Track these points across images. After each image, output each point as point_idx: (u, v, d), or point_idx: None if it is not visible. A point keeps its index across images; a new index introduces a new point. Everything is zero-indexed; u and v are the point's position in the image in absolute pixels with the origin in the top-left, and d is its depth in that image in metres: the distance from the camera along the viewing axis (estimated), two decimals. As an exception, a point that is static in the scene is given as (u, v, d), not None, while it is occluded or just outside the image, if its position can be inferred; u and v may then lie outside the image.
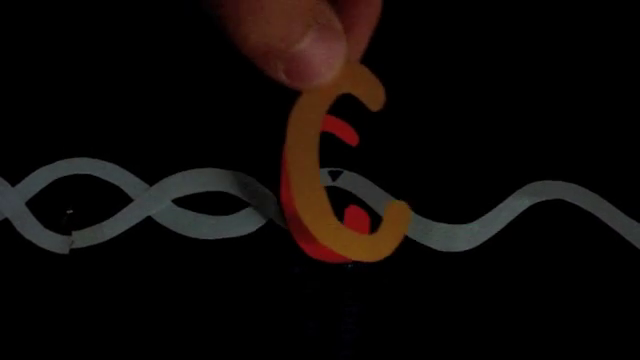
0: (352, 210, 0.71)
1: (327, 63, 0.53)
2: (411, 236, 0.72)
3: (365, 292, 0.70)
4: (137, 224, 0.73)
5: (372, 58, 0.66)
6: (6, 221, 0.72)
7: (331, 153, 0.74)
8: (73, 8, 0.79)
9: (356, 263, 0.70)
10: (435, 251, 0.72)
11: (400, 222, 0.64)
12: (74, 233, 0.72)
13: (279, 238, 0.72)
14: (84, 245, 0.71)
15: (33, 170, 0.73)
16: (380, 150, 0.75)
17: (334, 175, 0.74)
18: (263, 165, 0.74)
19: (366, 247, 0.63)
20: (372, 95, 0.60)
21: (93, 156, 0.74)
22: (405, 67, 0.78)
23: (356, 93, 0.59)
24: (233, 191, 0.74)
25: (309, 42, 0.50)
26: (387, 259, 0.67)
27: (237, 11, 0.49)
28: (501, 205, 0.74)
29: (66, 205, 0.73)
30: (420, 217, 0.73)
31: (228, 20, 0.50)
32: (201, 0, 0.51)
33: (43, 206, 0.73)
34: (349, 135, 0.74)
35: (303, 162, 0.62)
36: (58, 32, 0.78)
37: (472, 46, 0.80)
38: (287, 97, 0.72)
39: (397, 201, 0.65)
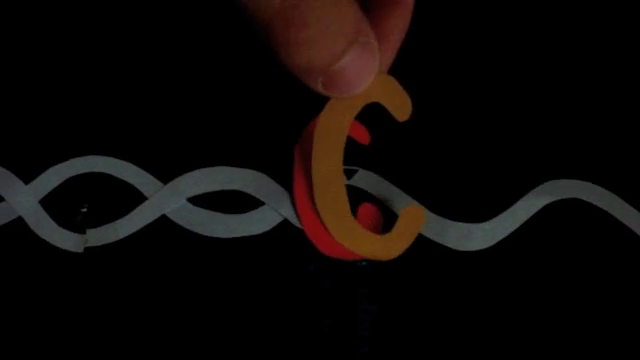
0: (365, 207, 0.72)
1: (362, 76, 0.56)
2: (427, 235, 0.72)
3: (379, 290, 0.70)
4: (152, 223, 0.72)
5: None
6: (20, 219, 0.72)
7: (346, 152, 0.74)
8: (87, 5, 0.79)
9: (369, 261, 0.70)
10: (451, 249, 0.72)
11: (413, 225, 0.68)
12: (88, 231, 0.71)
13: (294, 237, 0.72)
14: (98, 244, 0.71)
15: (46, 168, 0.73)
16: (396, 149, 0.75)
17: (349, 174, 0.73)
18: (278, 163, 0.74)
19: (377, 247, 0.67)
20: (399, 105, 0.65)
21: (107, 154, 0.74)
22: (421, 67, 0.77)
23: (384, 103, 0.64)
24: (248, 189, 0.73)
25: (349, 59, 0.53)
26: (402, 257, 0.68)
27: (285, 32, 0.51)
28: (517, 204, 0.74)
29: (80, 203, 0.73)
30: (436, 216, 0.73)
31: (275, 39, 0.52)
32: (246, 15, 0.52)
33: (57, 204, 0.73)
34: (361, 134, 0.73)
35: (328, 163, 0.65)
36: (71, 30, 0.78)
37: (487, 46, 0.80)
38: (302, 95, 0.72)
39: (415, 205, 0.67)
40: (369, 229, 0.69)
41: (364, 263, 0.71)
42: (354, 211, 0.70)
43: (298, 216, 0.71)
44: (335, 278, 0.70)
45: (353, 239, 0.68)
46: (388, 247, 0.68)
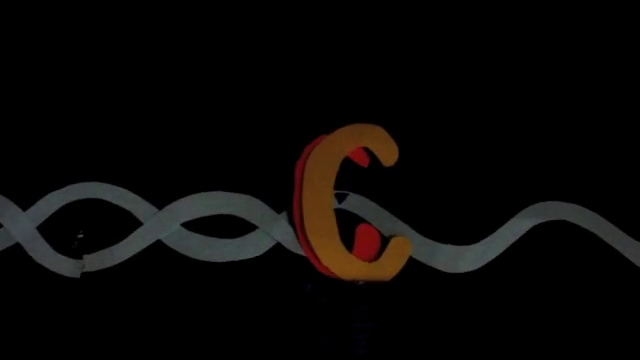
0: (363, 228, 0.74)
1: None
2: (417, 258, 0.74)
3: (376, 308, 0.72)
4: (147, 247, 0.73)
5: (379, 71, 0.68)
6: (17, 245, 0.73)
7: (337, 176, 0.75)
8: (84, 30, 0.79)
9: (367, 281, 0.72)
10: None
11: (400, 254, 0.72)
12: (85, 257, 0.73)
13: (289, 259, 0.74)
14: (95, 269, 0.72)
15: (44, 195, 0.74)
16: (386, 173, 0.76)
17: (340, 197, 0.75)
18: (271, 188, 0.75)
19: (364, 272, 0.72)
20: (386, 152, 0.73)
21: (103, 180, 0.75)
22: (411, 92, 0.78)
23: (373, 148, 0.73)
24: (241, 214, 0.75)
25: None
26: (397, 278, 0.70)
27: None
28: (505, 226, 0.75)
29: (77, 229, 0.74)
30: (425, 239, 0.74)
31: None
32: None
33: (54, 230, 0.74)
34: (361, 158, 0.75)
35: (317, 193, 0.70)
36: (67, 58, 0.78)
37: (472, 70, 0.80)
38: (294, 121, 0.74)
39: (401, 237, 0.71)
40: (367, 249, 0.72)
41: (361, 283, 0.73)
42: (348, 235, 0.73)
43: (297, 235, 0.73)
44: (332, 296, 0.72)
45: (340, 265, 0.72)
46: (376, 274, 0.72)
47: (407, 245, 0.72)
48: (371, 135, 0.72)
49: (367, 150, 0.74)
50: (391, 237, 0.72)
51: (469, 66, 0.79)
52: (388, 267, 0.72)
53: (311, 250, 0.72)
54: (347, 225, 0.74)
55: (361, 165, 0.75)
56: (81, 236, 0.74)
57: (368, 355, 0.71)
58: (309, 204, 0.71)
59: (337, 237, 0.71)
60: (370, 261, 0.72)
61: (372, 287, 0.72)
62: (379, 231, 0.74)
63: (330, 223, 0.71)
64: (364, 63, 0.77)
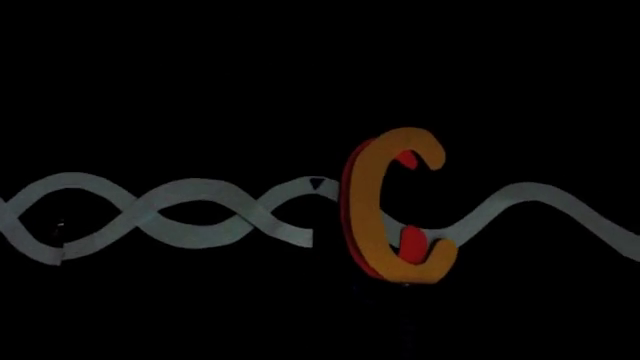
0: (410, 231, 0.75)
1: None
2: (391, 242, 0.74)
3: (421, 310, 0.73)
4: (126, 235, 0.75)
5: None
6: (0, 235, 0.75)
7: (313, 162, 0.76)
8: (59, 19, 0.81)
9: (412, 283, 0.74)
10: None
11: (447, 257, 0.74)
12: (65, 245, 0.74)
13: (267, 244, 0.75)
14: (75, 257, 0.74)
15: (25, 185, 0.76)
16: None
17: (315, 183, 0.75)
18: (247, 173, 0.76)
19: (412, 275, 0.73)
20: (433, 156, 0.75)
21: (82, 170, 0.76)
22: (391, 79, 0.79)
23: (420, 152, 0.75)
24: (218, 200, 0.76)
25: None
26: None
27: None
28: (479, 207, 0.75)
29: (57, 218, 0.75)
30: (399, 223, 0.75)
31: None
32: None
33: (35, 220, 0.75)
34: (409, 160, 0.76)
35: (365, 196, 0.73)
36: (43, 48, 0.80)
37: (445, 52, 0.80)
38: (267, 106, 0.75)
39: (447, 239, 0.73)
40: (413, 251, 0.73)
41: (407, 285, 0.74)
42: (320, 221, 0.73)
43: (345, 239, 0.74)
44: (379, 298, 0.74)
45: (387, 267, 0.73)
46: (423, 276, 0.73)
47: (453, 248, 0.73)
48: (418, 139, 0.75)
49: (414, 153, 0.76)
50: (437, 240, 0.73)
51: (440, 50, 0.80)
52: (435, 270, 0.73)
53: (358, 252, 0.73)
54: (322, 210, 0.75)
55: (409, 167, 0.76)
56: (62, 225, 0.75)
57: (414, 356, 0.72)
58: (357, 206, 0.73)
59: (385, 240, 0.73)
60: (417, 264, 0.73)
61: (418, 289, 0.74)
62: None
63: (378, 226, 0.73)
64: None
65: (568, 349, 0.72)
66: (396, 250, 0.74)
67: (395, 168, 0.76)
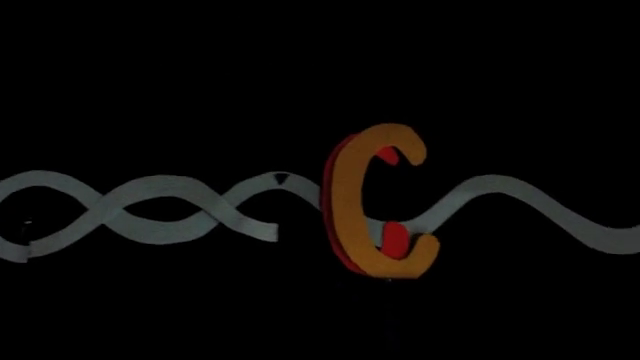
0: (391, 226, 0.75)
1: None
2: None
3: (405, 305, 0.74)
4: (92, 232, 0.75)
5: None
6: (-34, 234, 0.75)
7: (278, 157, 0.76)
8: (30, 24, 0.81)
9: (395, 278, 0.74)
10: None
11: (429, 252, 0.74)
12: (32, 243, 0.74)
13: (232, 238, 0.75)
14: (42, 254, 0.74)
15: (-10, 185, 0.76)
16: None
17: (280, 178, 0.76)
18: (212, 169, 0.76)
19: (394, 270, 0.74)
20: (414, 151, 0.75)
21: (47, 168, 0.76)
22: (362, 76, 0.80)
23: (401, 148, 0.75)
24: (183, 196, 0.76)
25: None
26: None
27: None
28: (443, 200, 0.76)
29: (24, 216, 0.76)
30: (366, 217, 0.75)
31: None
32: None
33: (1, 218, 0.76)
34: (390, 156, 0.77)
35: (346, 191, 0.73)
36: (7, 43, 0.80)
37: (411, 45, 0.81)
38: (232, 100, 0.75)
39: (429, 235, 0.73)
40: (395, 246, 0.74)
41: (390, 280, 0.74)
42: (283, 216, 0.74)
43: (328, 235, 0.75)
44: (362, 294, 0.74)
45: (370, 262, 0.73)
46: (405, 271, 0.73)
47: (435, 243, 0.73)
48: (399, 134, 0.75)
49: (395, 149, 0.76)
50: (419, 235, 0.74)
51: (419, 48, 0.80)
52: (417, 265, 0.73)
53: (340, 248, 0.74)
54: (286, 206, 0.75)
55: (390, 163, 0.76)
56: (28, 223, 0.76)
57: (401, 352, 0.73)
58: (339, 202, 0.73)
59: (367, 235, 0.74)
60: (399, 259, 0.74)
61: (401, 284, 0.74)
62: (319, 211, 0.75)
63: (359, 221, 0.73)
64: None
65: (534, 338, 0.73)
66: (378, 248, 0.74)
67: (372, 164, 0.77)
